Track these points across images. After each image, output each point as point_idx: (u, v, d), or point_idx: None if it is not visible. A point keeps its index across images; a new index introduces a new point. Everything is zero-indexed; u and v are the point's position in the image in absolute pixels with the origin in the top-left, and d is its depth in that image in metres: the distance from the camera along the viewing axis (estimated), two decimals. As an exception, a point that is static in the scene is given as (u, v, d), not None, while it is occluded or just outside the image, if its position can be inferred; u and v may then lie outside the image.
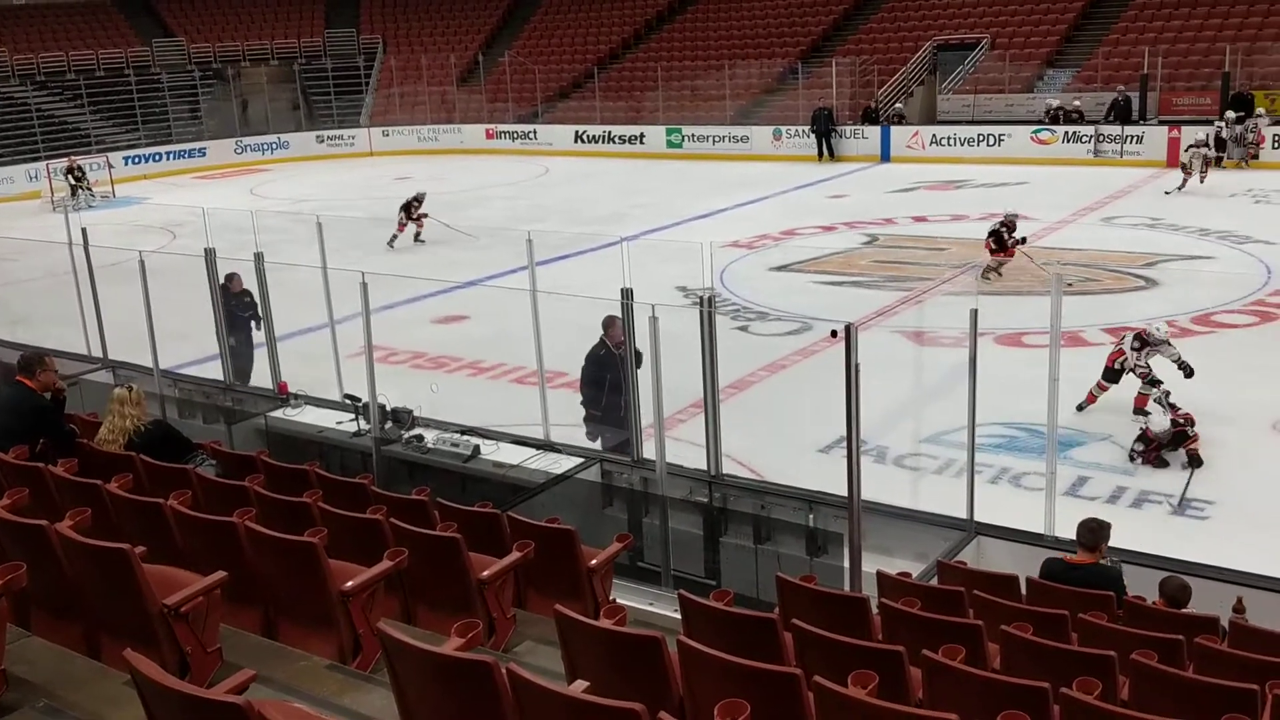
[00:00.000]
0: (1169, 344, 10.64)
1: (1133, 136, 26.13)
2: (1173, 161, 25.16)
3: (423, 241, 20.35)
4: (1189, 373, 10.35)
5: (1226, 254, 17.25)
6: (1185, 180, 21.96)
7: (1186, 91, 27.25)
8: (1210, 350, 12.79)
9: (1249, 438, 10.23)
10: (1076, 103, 27.65)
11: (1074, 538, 6.26)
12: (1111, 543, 6.22)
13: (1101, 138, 26.50)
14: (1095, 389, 10.87)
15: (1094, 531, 6.11)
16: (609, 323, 9.23)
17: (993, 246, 15.76)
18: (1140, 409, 10.56)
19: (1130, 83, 27.48)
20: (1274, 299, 14.48)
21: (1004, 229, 15.70)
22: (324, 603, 4.57)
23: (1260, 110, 25.23)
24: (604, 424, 9.45)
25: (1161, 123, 26.45)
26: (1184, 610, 5.68)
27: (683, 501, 8.45)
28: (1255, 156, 24.31)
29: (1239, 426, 10.43)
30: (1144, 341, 10.56)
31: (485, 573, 4.95)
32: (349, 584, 4.58)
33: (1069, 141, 26.74)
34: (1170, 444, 9.69)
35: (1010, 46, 30.90)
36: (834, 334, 6.10)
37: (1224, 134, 24.20)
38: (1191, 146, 22.38)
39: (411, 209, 20.42)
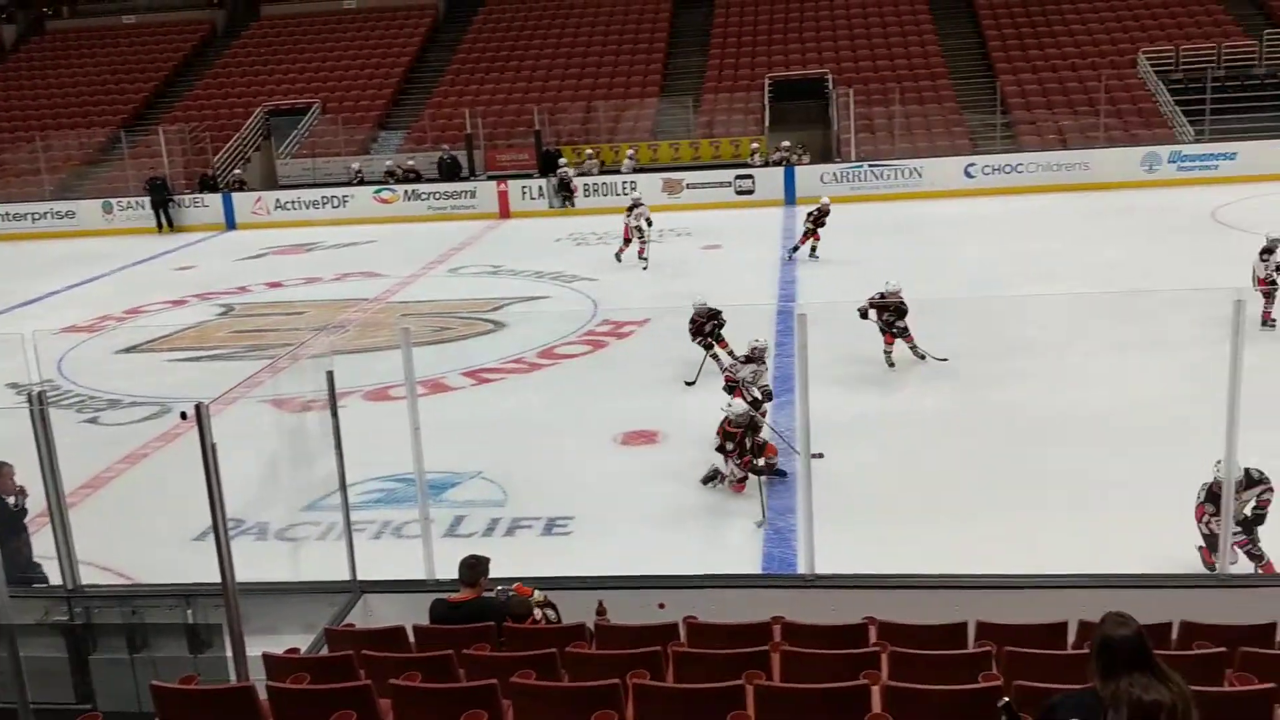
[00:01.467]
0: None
1: (466, 192, 28.04)
2: (504, 213, 27.43)
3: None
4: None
5: (559, 292, 19.11)
6: (626, 246, 20.35)
7: (507, 148, 29.85)
8: (555, 379, 14.13)
9: (596, 450, 11.39)
10: (411, 162, 29.07)
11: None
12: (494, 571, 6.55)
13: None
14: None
15: (472, 568, 6.39)
16: None
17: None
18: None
19: (457, 142, 29.49)
20: (602, 329, 16.29)
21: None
22: None
23: (590, 154, 28.40)
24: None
25: (490, 178, 28.69)
26: (555, 624, 6.13)
27: (38, 626, 7.46)
28: (573, 204, 27.27)
29: (586, 441, 11.59)
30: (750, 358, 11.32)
31: None
32: None
33: (410, 199, 28.01)
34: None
35: (341, 110, 31.72)
36: (184, 416, 5.74)
37: (571, 181, 26.95)
38: (631, 209, 20.33)
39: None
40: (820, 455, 9.77)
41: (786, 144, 27.47)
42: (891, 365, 13.15)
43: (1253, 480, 7.73)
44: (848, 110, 27.92)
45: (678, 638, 5.66)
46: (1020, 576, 6.63)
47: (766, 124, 28.80)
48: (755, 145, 27.84)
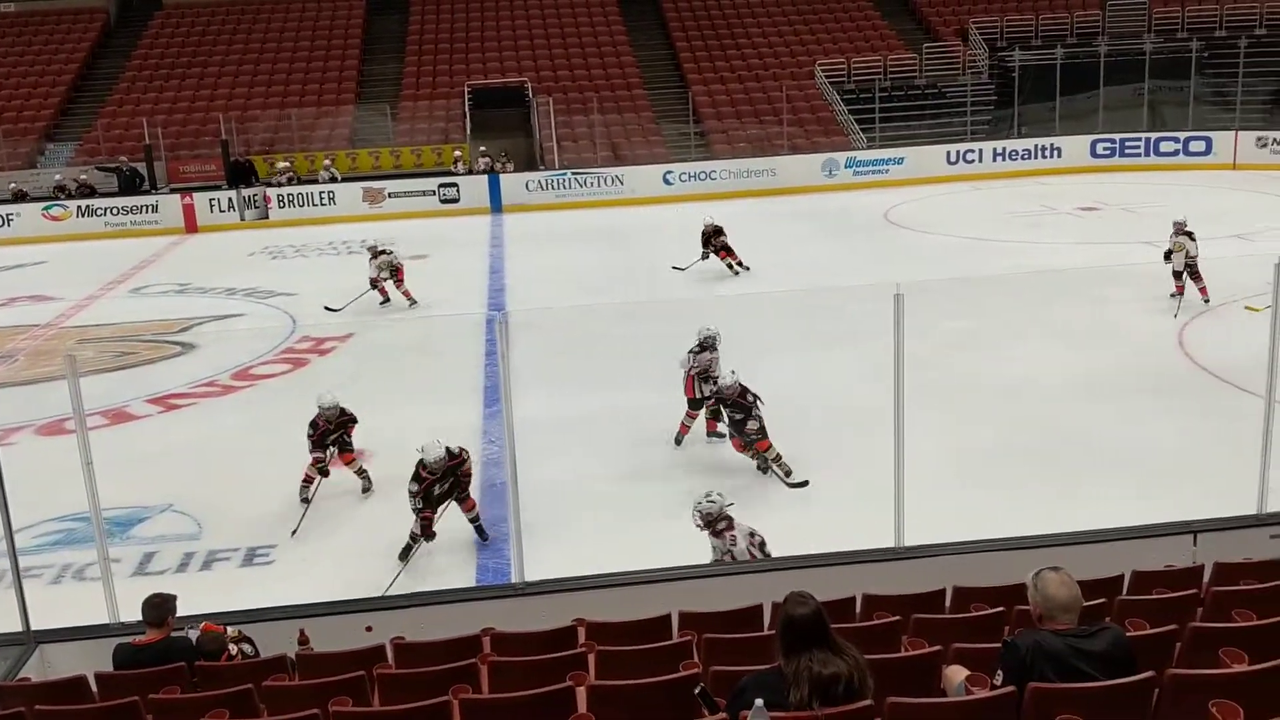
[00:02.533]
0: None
1: (147, 206, 26.26)
2: (191, 227, 25.87)
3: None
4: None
5: (255, 309, 18.23)
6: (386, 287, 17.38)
7: (192, 159, 28.23)
8: (253, 401, 13.45)
9: (299, 474, 10.86)
10: (84, 176, 26.98)
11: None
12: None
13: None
14: (686, 420, 10.95)
15: (156, 607, 5.96)
16: None
17: None
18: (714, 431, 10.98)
19: (136, 154, 27.57)
20: (302, 345, 15.68)
21: None
22: None
23: (285, 164, 27.22)
24: None
25: (174, 190, 27.01)
26: (253, 658, 5.81)
27: None
28: (266, 216, 26.13)
29: (287, 465, 11.06)
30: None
31: None
32: None
33: (84, 216, 25.92)
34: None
35: (1, 122, 29.02)
36: None
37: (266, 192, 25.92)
38: (381, 255, 17.38)
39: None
40: (806, 483, 9.85)
41: (483, 148, 27.43)
42: (765, 471, 10.17)
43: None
44: (548, 119, 28.25)
45: (385, 660, 5.50)
46: (718, 565, 6.87)
47: (468, 132, 28.68)
48: (458, 153, 27.66)
